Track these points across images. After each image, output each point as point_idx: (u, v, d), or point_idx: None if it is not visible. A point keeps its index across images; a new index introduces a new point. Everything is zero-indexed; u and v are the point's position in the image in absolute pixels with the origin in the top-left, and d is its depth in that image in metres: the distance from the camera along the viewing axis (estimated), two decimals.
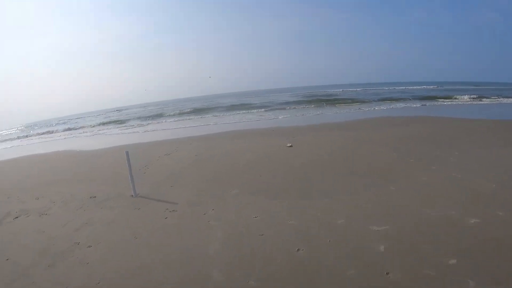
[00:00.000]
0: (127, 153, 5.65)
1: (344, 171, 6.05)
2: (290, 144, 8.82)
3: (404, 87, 50.41)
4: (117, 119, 32.32)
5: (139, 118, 30.68)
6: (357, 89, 53.27)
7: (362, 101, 27.27)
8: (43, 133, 26.27)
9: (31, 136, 25.61)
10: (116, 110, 59.08)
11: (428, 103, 23.53)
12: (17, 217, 5.35)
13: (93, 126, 27.10)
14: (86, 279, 3.23)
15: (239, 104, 32.29)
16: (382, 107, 21.59)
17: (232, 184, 5.78)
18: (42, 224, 4.82)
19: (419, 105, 21.92)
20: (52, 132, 26.39)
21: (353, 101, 27.92)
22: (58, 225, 4.69)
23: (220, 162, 7.65)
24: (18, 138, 25.61)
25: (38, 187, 6.99)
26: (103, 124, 28.44)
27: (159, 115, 30.09)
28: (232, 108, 29.87)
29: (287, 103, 29.68)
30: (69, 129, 27.05)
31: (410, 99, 27.16)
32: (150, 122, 25.25)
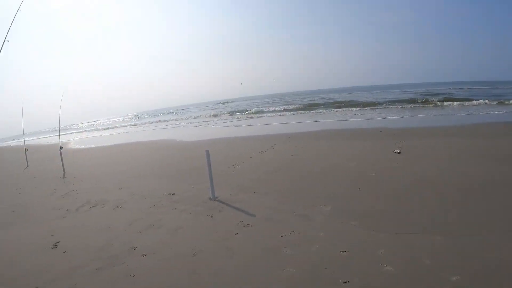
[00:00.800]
0: (207, 152, 4.99)
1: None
2: (399, 150, 7.05)
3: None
4: (231, 110, 34.14)
5: (243, 111, 31.61)
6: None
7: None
8: (152, 122, 29.33)
9: (141, 124, 29.01)
10: (224, 102, 62.36)
11: None
12: (93, 206, 5.28)
13: (194, 118, 29.00)
14: None
15: (347, 101, 30.02)
16: None
17: (326, 197, 4.55)
18: (112, 219, 4.54)
19: None
20: (157, 122, 29.25)
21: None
22: (125, 223, 4.30)
23: (316, 166, 6.48)
24: (134, 125, 29.24)
25: (126, 177, 7.03)
26: (214, 116, 30.22)
27: (262, 110, 30.28)
28: (338, 104, 28.00)
29: (397, 101, 26.20)
30: (176, 119, 29.43)
31: None
32: (252, 116, 25.65)
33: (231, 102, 60.96)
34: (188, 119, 29.22)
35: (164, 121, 29.67)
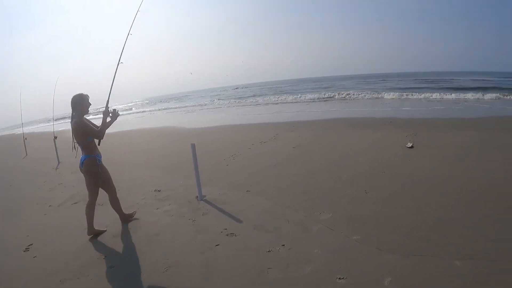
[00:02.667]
0: (193, 146, 4.41)
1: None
2: (411, 144, 6.36)
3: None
4: (240, 95, 33.66)
5: (252, 96, 31.08)
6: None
7: None
8: (159, 109, 29.07)
9: (149, 110, 28.82)
10: (236, 88, 61.25)
11: None
12: (76, 203, 4.97)
13: (200, 105, 28.56)
14: None
15: (358, 87, 28.94)
16: None
17: (326, 201, 3.96)
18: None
19: None
20: (161, 109, 28.97)
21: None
22: (102, 224, 3.84)
23: (318, 161, 5.88)
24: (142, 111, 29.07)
25: (117, 167, 6.61)
26: (220, 99, 29.76)
27: (271, 95, 29.65)
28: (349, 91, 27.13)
29: (407, 88, 25.01)
30: (183, 106, 29.05)
31: None
32: (259, 102, 25.03)
33: (241, 88, 60.01)
34: (194, 106, 28.64)
35: (170, 108, 29.26)
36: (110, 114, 3.46)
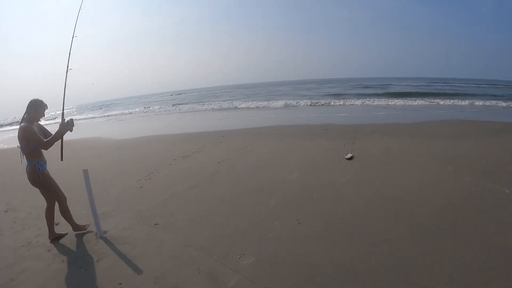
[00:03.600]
0: (85, 172, 3.52)
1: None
2: (350, 155, 6.22)
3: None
4: (175, 101, 32.07)
5: (186, 103, 29.86)
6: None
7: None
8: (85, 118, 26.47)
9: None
10: (174, 94, 58.74)
11: None
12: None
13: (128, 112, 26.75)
14: None
15: (296, 94, 29.52)
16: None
17: (248, 238, 3.35)
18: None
19: None
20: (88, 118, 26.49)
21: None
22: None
23: (244, 181, 5.32)
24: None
25: (17, 190, 5.50)
26: (149, 107, 27.95)
27: (206, 101, 28.73)
28: (287, 97, 27.45)
29: (342, 94, 26.18)
30: (109, 115, 26.47)
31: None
32: (195, 108, 23.83)
33: (182, 94, 57.83)
34: (122, 114, 26.24)
35: (100, 116, 26.61)
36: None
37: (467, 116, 12.52)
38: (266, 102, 22.66)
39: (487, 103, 17.87)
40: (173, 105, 28.07)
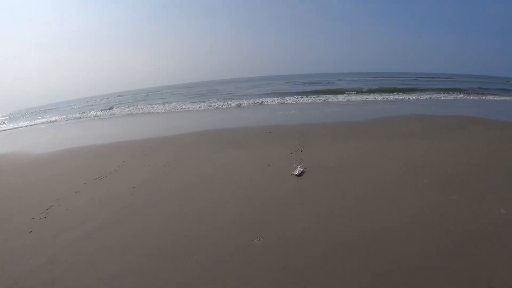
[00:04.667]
0: None
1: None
2: (300, 170, 4.97)
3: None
4: (110, 105, 28.13)
5: (123, 104, 26.80)
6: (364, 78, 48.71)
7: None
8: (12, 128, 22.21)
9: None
10: (112, 97, 53.26)
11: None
12: None
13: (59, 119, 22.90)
14: None
15: (239, 94, 27.97)
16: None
17: None
18: None
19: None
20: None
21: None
22: None
23: (162, 220, 3.83)
24: None
25: None
26: (84, 112, 24.06)
27: (145, 103, 25.92)
28: (229, 96, 25.75)
29: (287, 93, 25.12)
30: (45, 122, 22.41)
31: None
32: (129, 111, 20.90)
33: (122, 96, 52.73)
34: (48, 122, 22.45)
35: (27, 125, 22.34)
36: None
37: (420, 111, 12.33)
38: (207, 103, 20.68)
39: (436, 96, 18.79)
40: (107, 109, 24.36)
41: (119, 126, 13.93)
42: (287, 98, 19.91)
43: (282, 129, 8.97)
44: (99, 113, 21.73)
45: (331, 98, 19.02)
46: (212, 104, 19.54)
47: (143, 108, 21.52)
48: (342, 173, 4.86)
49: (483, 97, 18.62)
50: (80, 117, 20.65)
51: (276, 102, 18.46)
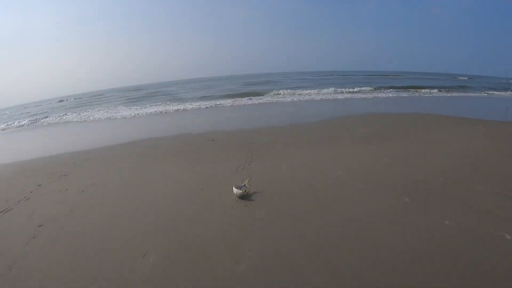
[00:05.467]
0: None
1: None
2: (246, 190, 3.89)
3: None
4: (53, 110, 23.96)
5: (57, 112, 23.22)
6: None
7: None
8: None
9: None
10: (61, 101, 46.52)
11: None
12: None
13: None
14: None
15: (189, 97, 26.01)
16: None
17: None
18: None
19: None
20: None
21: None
22: None
23: (68, 278, 2.59)
24: None
25: None
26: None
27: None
28: (173, 98, 23.82)
29: (230, 94, 23.93)
30: None
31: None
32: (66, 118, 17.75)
33: (66, 100, 46.29)
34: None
35: None
36: None
37: (370, 109, 11.93)
38: (145, 108, 18.43)
39: (386, 95, 19.04)
40: (41, 118, 19.63)
41: (49, 137, 11.45)
42: (228, 99, 18.83)
43: (227, 136, 7.81)
44: (27, 122, 17.84)
45: (273, 98, 18.38)
46: (157, 109, 17.36)
47: (79, 115, 18.32)
48: (301, 195, 3.86)
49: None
50: (5, 129, 16.83)
51: (219, 104, 17.05)
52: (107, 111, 18.66)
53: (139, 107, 19.11)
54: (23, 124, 17.43)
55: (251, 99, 18.20)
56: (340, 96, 18.22)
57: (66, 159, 6.80)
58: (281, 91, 21.08)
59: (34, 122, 17.79)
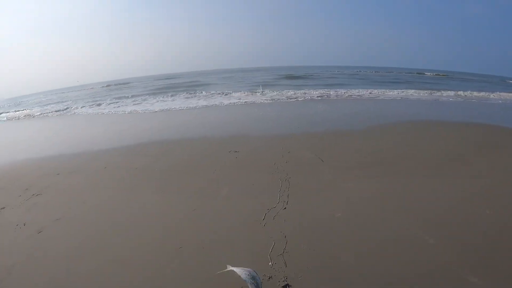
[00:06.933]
0: None
1: None
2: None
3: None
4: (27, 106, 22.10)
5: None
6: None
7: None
8: None
9: None
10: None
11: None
12: None
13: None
14: None
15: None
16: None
17: None
18: None
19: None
20: None
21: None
22: None
23: None
24: None
25: None
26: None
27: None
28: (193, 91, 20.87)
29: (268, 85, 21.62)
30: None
31: None
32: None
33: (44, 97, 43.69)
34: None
35: None
36: None
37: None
38: (141, 106, 14.75)
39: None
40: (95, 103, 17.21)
41: (68, 130, 10.02)
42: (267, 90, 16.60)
43: (253, 145, 5.89)
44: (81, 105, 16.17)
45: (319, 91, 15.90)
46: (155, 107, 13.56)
47: (77, 109, 15.82)
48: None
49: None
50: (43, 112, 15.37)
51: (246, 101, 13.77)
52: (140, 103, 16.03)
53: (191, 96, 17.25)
54: (59, 110, 16.03)
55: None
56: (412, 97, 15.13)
57: (55, 166, 5.42)
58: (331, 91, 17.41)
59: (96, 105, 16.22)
